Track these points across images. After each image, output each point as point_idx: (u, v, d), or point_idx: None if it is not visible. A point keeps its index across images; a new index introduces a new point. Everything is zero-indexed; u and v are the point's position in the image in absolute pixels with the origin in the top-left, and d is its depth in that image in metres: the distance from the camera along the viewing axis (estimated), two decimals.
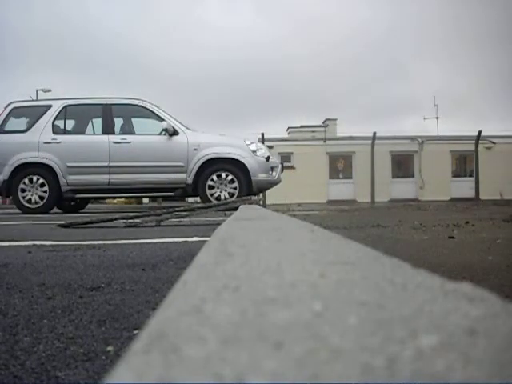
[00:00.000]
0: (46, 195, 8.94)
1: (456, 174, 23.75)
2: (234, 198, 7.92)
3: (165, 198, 11.85)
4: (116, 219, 5.08)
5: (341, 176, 24.16)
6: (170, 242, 3.16)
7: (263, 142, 12.70)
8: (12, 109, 9.30)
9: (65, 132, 9.33)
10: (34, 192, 8.98)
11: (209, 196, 8.77)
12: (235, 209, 5.04)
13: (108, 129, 9.25)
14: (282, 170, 9.97)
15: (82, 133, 9.51)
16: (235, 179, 8.88)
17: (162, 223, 5.09)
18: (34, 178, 8.97)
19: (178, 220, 5.26)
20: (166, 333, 0.26)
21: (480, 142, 19.25)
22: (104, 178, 8.94)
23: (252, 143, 9.35)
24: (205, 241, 1.26)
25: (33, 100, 11.17)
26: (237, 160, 8.90)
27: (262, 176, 9.03)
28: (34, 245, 3.05)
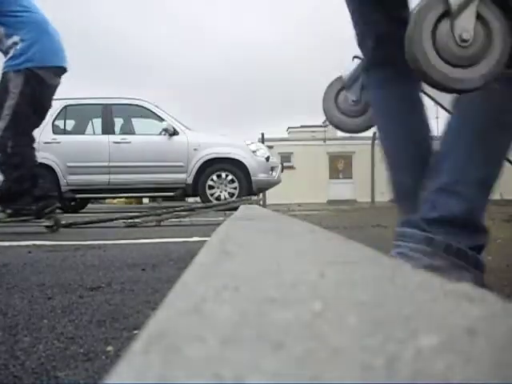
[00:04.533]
0: None
1: None
2: (234, 198, 7.92)
3: (165, 198, 11.84)
4: (116, 219, 5.09)
5: (341, 176, 24.15)
6: (170, 242, 3.16)
7: (263, 142, 12.70)
8: None
9: (65, 132, 9.32)
10: None
11: (209, 196, 8.78)
12: (235, 209, 5.04)
13: (108, 129, 9.25)
14: (282, 170, 9.97)
15: (82, 133, 9.51)
16: (235, 179, 8.88)
17: (162, 223, 5.09)
18: None
19: (178, 220, 5.26)
20: (166, 333, 0.26)
21: None
22: (104, 178, 8.94)
23: (252, 143, 9.36)
24: (205, 241, 1.26)
25: None
26: (237, 160, 8.90)
27: (261, 176, 9.04)
28: (34, 245, 3.05)
